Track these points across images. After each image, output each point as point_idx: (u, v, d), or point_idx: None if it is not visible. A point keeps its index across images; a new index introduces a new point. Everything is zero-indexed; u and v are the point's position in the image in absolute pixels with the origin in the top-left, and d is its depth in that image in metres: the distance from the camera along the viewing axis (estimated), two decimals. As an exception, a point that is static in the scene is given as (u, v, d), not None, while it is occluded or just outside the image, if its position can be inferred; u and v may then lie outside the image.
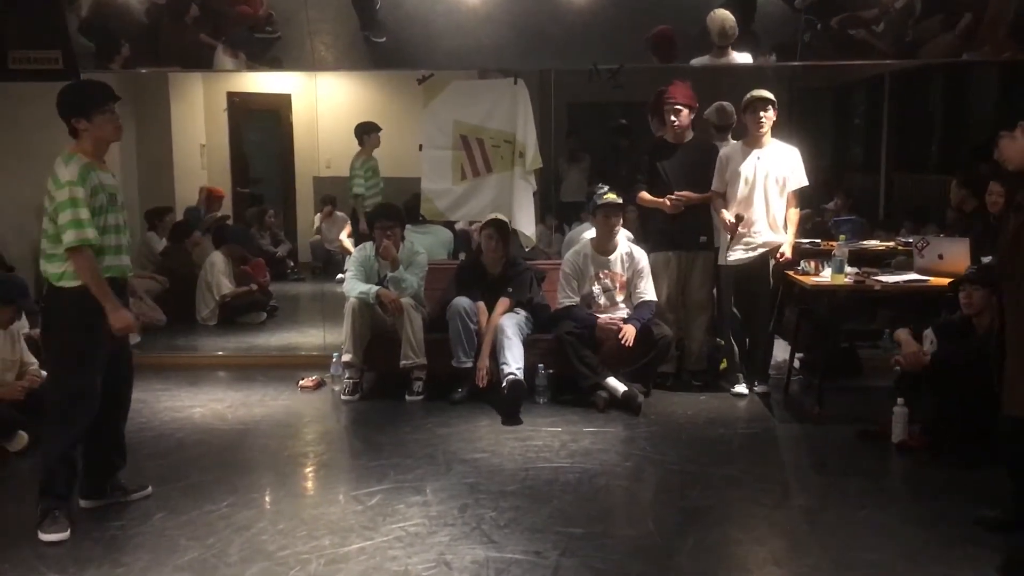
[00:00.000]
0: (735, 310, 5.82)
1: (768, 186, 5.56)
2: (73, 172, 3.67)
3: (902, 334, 4.85)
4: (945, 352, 4.62)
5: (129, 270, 4.00)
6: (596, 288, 5.73)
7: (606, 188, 5.76)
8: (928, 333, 4.81)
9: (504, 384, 5.35)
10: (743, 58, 6.18)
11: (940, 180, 7.95)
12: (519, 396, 5.33)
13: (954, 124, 8.66)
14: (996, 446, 3.84)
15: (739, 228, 5.55)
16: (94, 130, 3.78)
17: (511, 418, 5.24)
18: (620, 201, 5.62)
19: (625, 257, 5.73)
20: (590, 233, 5.92)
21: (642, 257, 5.73)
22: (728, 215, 5.56)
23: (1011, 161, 3.63)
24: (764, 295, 5.69)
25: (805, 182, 5.63)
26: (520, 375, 5.38)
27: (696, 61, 6.24)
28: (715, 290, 5.96)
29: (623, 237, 5.83)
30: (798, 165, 5.60)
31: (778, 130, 5.68)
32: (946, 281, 5.14)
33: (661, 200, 5.76)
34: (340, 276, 8.67)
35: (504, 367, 5.41)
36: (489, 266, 5.93)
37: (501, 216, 6.08)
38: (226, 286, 7.89)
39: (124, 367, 4.00)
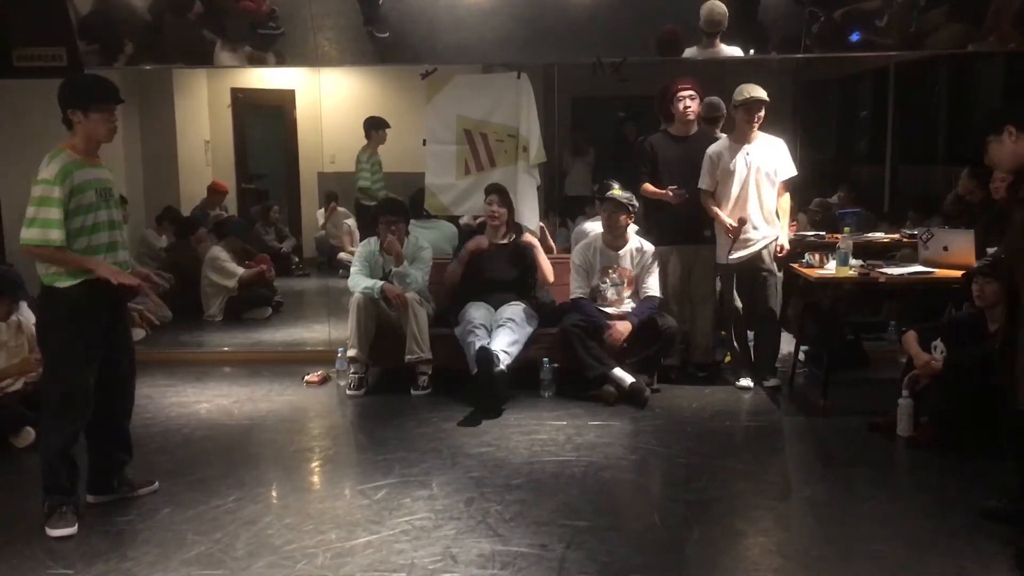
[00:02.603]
0: (737, 304, 5.83)
1: (760, 180, 5.57)
2: (53, 170, 3.63)
3: (911, 344, 4.81)
4: (958, 357, 4.60)
5: (126, 266, 3.95)
6: (605, 282, 5.73)
7: (616, 184, 5.77)
8: (937, 344, 4.79)
9: (495, 370, 5.26)
10: (732, 51, 6.17)
11: (947, 171, 7.96)
12: (502, 385, 5.25)
13: (960, 115, 8.63)
14: (1007, 439, 3.83)
15: (740, 230, 5.57)
16: (88, 126, 3.74)
17: (487, 399, 5.22)
18: (623, 200, 5.61)
19: (635, 252, 5.73)
20: (599, 226, 5.92)
21: (651, 252, 5.73)
22: (729, 219, 5.56)
23: (1001, 165, 3.61)
24: (768, 288, 5.69)
25: (793, 172, 5.66)
26: (502, 357, 5.28)
27: (686, 52, 6.23)
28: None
29: (633, 232, 5.83)
30: (785, 156, 5.63)
31: (782, 122, 5.68)
32: (951, 273, 5.14)
33: (664, 191, 5.77)
34: (342, 256, 8.74)
35: (497, 348, 5.34)
36: (491, 236, 5.97)
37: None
38: (237, 270, 7.90)
39: (125, 363, 4.00)
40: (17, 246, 6.46)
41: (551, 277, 5.97)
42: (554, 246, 6.53)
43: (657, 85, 6.21)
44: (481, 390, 5.28)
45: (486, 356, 5.22)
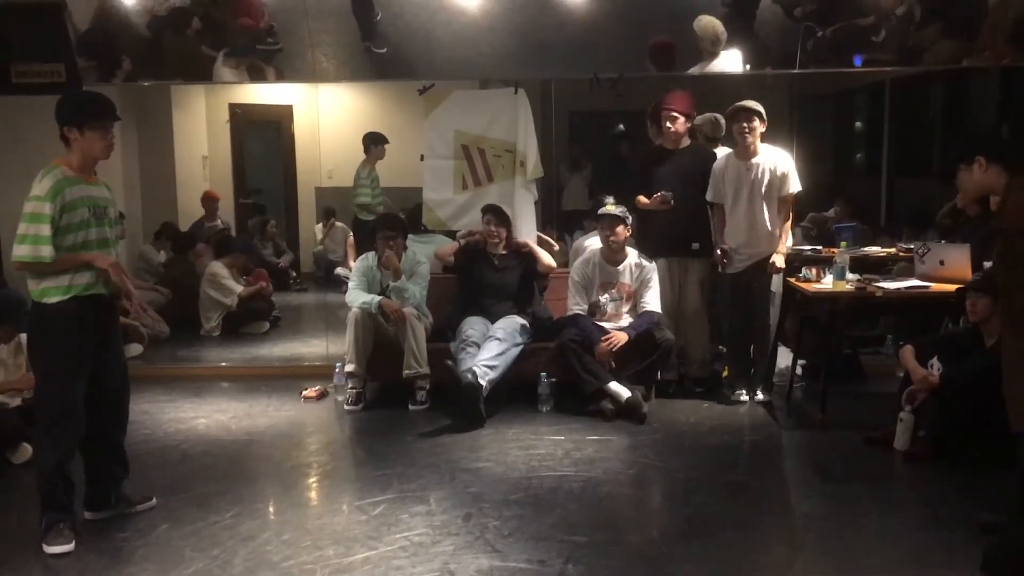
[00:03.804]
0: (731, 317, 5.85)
1: (759, 195, 5.58)
2: (45, 187, 3.64)
3: (908, 358, 4.81)
4: (954, 373, 4.61)
5: (114, 285, 3.89)
6: (603, 297, 5.74)
7: (610, 199, 5.79)
8: (934, 362, 4.80)
9: (463, 382, 5.29)
10: (732, 55, 6.19)
11: (942, 185, 7.98)
12: (474, 399, 5.26)
13: (955, 129, 8.68)
14: (1008, 454, 3.82)
15: (727, 253, 5.67)
16: (83, 143, 3.74)
17: (473, 419, 5.26)
18: (618, 214, 5.64)
19: (634, 267, 5.75)
20: (598, 242, 5.94)
21: (651, 268, 5.75)
22: (722, 245, 5.66)
23: (966, 192, 3.72)
24: (763, 302, 5.70)
25: (798, 187, 5.63)
26: (481, 375, 5.31)
27: (692, 71, 6.26)
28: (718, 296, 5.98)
29: (630, 248, 5.85)
30: (790, 170, 5.61)
31: (780, 136, 5.70)
32: (947, 287, 5.16)
33: (651, 199, 5.80)
34: (339, 271, 8.77)
35: (477, 362, 5.38)
36: (492, 251, 6.06)
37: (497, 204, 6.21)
38: (236, 287, 7.90)
39: (118, 378, 3.99)
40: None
41: (552, 262, 6.10)
42: (554, 242, 6.58)
43: (654, 100, 6.24)
44: (462, 406, 5.34)
45: (468, 383, 5.29)
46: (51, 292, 3.70)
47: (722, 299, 5.87)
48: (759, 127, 5.53)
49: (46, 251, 3.63)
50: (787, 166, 5.61)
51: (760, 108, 5.53)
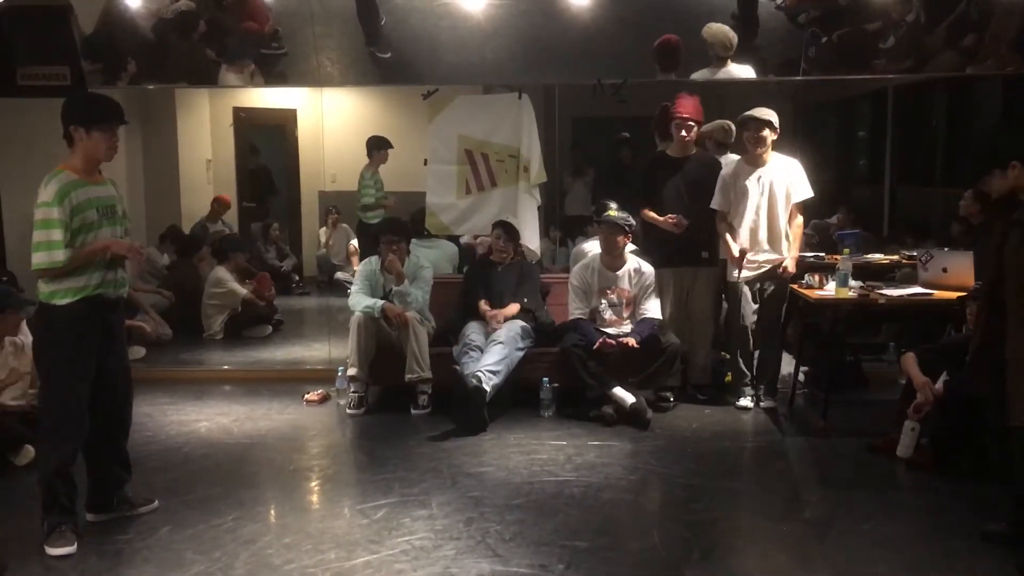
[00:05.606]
0: (745, 324, 5.83)
1: (773, 204, 5.58)
2: (51, 192, 3.66)
3: (911, 366, 4.79)
4: (956, 381, 4.60)
5: (123, 284, 3.95)
6: (603, 303, 5.75)
7: (613, 205, 5.79)
8: (944, 376, 4.79)
9: (469, 386, 5.31)
10: (743, 70, 6.20)
11: (945, 193, 7.98)
12: (479, 403, 5.27)
13: (958, 137, 8.68)
14: (1005, 462, 3.83)
15: (746, 255, 5.61)
16: (88, 144, 3.76)
17: (475, 424, 5.26)
18: (620, 221, 5.64)
19: (633, 273, 5.75)
20: (597, 247, 5.94)
21: (650, 274, 5.75)
22: (734, 247, 5.58)
23: (996, 192, 4.03)
24: (773, 309, 5.70)
25: (810, 194, 5.63)
26: (486, 380, 5.32)
27: (696, 75, 6.26)
28: (723, 304, 5.96)
29: (630, 253, 5.85)
30: (801, 177, 5.60)
31: (782, 143, 5.69)
32: (950, 294, 5.16)
33: (664, 219, 5.78)
34: (339, 275, 8.77)
35: (480, 367, 5.39)
36: (497, 260, 6.06)
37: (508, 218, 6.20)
38: (241, 290, 7.90)
39: (121, 381, 4.00)
40: (18, 262, 6.55)
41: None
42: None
43: (657, 106, 6.25)
44: (464, 410, 5.35)
45: (474, 387, 5.30)
46: (60, 295, 3.72)
47: (732, 306, 5.85)
48: (770, 136, 5.52)
49: (60, 255, 3.66)
50: (798, 174, 5.60)
51: (771, 118, 5.51)
